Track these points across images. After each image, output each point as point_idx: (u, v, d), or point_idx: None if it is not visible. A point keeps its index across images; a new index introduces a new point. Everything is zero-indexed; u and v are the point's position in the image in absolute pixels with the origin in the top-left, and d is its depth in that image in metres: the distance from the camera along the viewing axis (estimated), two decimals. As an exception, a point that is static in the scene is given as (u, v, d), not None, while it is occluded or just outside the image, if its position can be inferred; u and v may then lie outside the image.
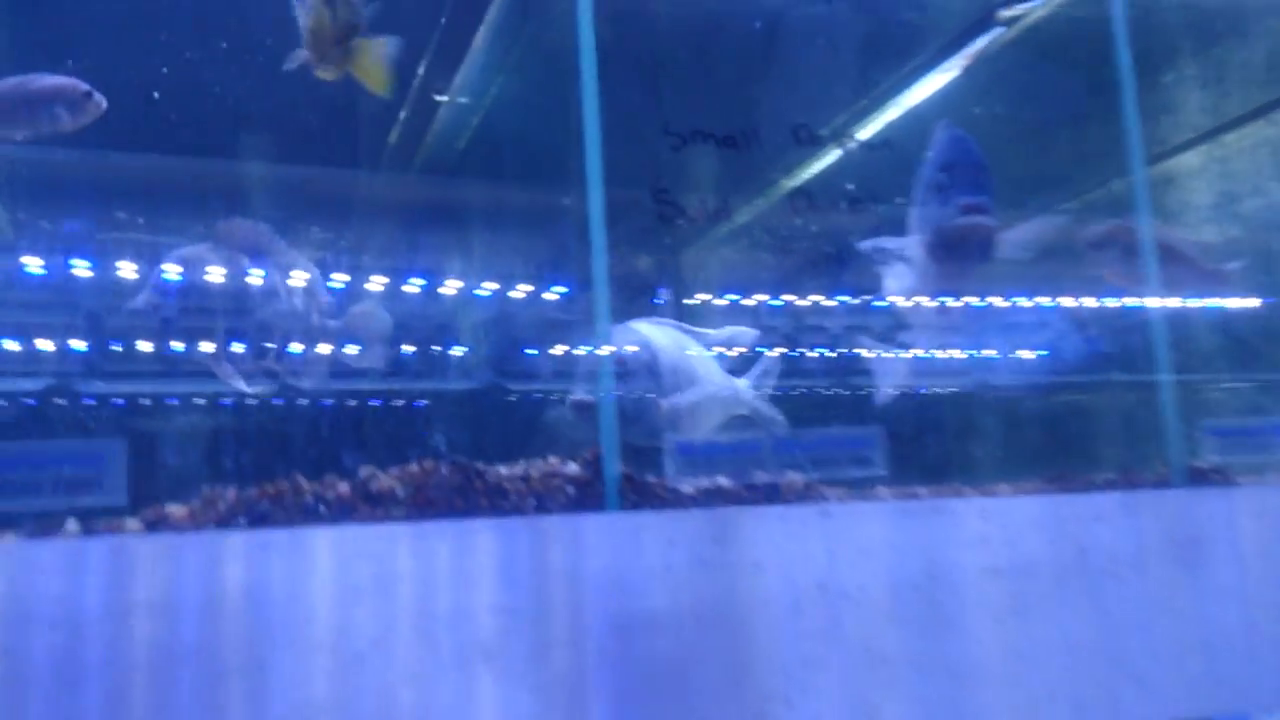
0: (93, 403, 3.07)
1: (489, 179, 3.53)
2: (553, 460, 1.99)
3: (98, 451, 1.57)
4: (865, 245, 2.40)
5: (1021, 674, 2.13)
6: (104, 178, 3.26)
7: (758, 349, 3.10)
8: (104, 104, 2.29)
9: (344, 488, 1.79)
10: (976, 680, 2.09)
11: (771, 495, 2.09)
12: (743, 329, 2.92)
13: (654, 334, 2.53)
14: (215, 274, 2.51)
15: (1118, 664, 2.22)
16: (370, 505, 1.78)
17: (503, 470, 1.91)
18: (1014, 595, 2.15)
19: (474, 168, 3.51)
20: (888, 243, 2.39)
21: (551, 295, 3.92)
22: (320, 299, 2.83)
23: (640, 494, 1.97)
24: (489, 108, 3.18)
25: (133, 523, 1.63)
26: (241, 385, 2.49)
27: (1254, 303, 4.38)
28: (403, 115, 3.22)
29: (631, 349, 2.46)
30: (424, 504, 1.80)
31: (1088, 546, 2.23)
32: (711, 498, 2.04)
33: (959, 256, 2.26)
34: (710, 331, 2.83)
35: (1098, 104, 2.87)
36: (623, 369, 2.48)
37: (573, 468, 1.95)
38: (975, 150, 2.27)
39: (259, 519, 1.71)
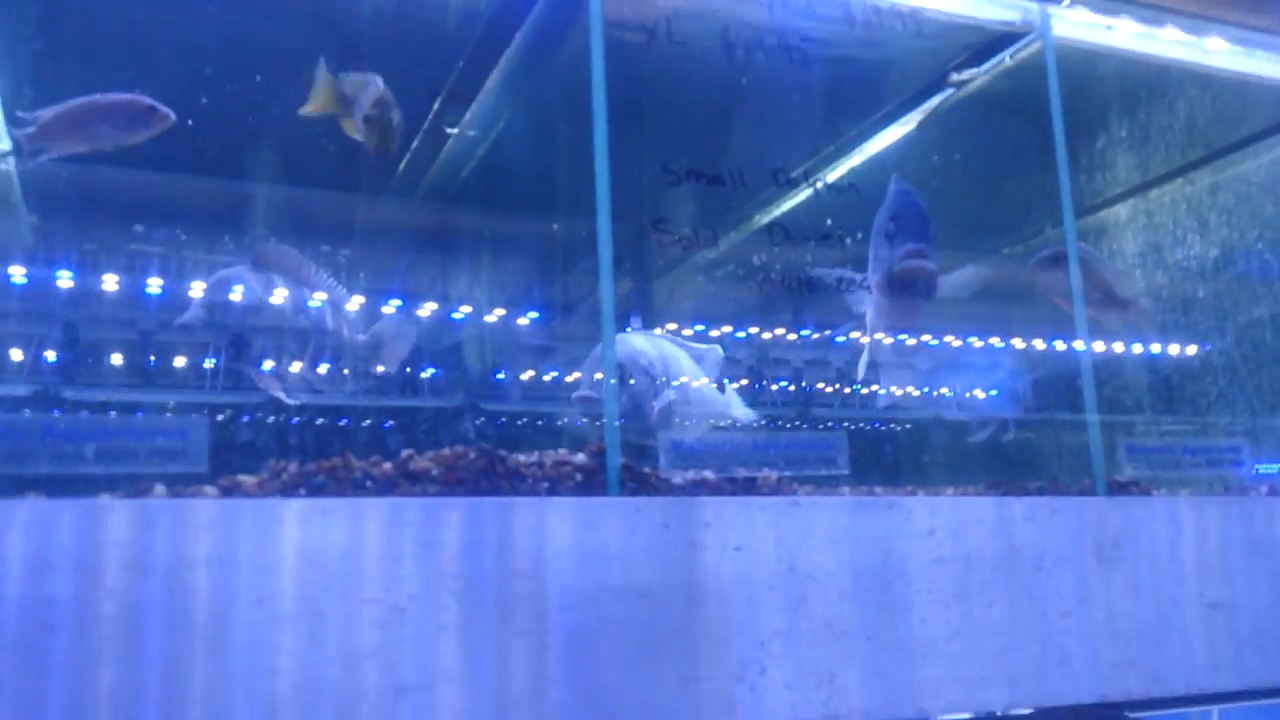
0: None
1: (488, 206, 3.79)
2: (563, 451, 2.24)
3: (183, 426, 1.80)
4: (821, 272, 2.70)
5: (962, 652, 2.40)
6: (132, 194, 3.47)
7: (726, 377, 3.38)
8: (171, 116, 2.48)
9: (387, 466, 2.03)
10: (923, 656, 2.36)
11: (749, 487, 2.36)
12: (714, 347, 3.20)
13: (650, 344, 2.80)
14: (254, 293, 2.74)
15: (1045, 647, 2.51)
16: (409, 482, 2.02)
17: (521, 457, 2.16)
18: (956, 583, 2.43)
19: (474, 195, 3.77)
20: (847, 274, 2.69)
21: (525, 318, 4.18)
22: (348, 316, 3.07)
23: (638, 482, 2.23)
24: (494, 141, 3.45)
25: (210, 489, 1.86)
26: (280, 394, 2.72)
27: (1190, 349, 4.75)
28: (415, 145, 3.48)
29: (630, 354, 2.72)
30: (454, 483, 2.05)
31: (1019, 543, 2.53)
32: (698, 488, 2.30)
33: (906, 295, 2.57)
34: (698, 346, 3.10)
35: (1038, 158, 3.20)
36: (621, 372, 2.75)
37: (580, 457, 2.20)
38: (919, 203, 2.58)
39: (316, 489, 1.94)
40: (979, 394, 4.64)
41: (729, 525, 2.21)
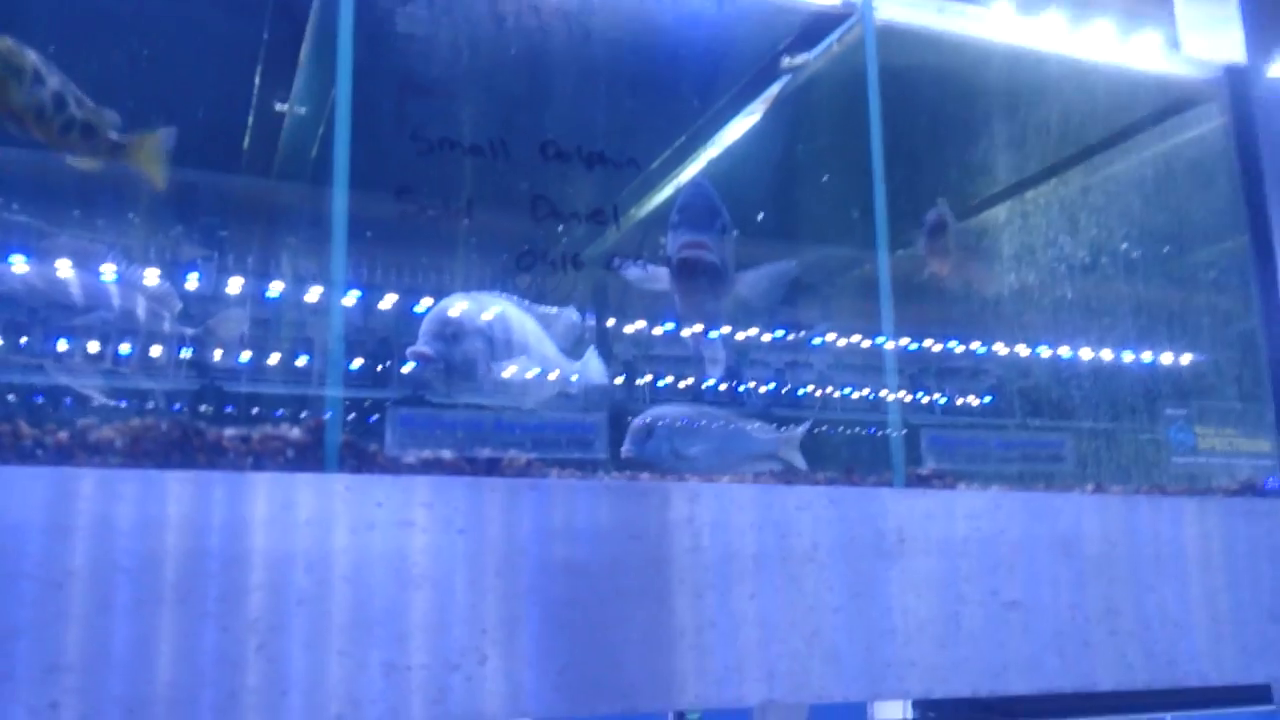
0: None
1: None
2: (283, 426, 2.05)
3: None
4: (617, 264, 2.52)
5: (713, 644, 2.20)
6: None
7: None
8: None
9: (63, 435, 1.84)
10: (669, 648, 2.16)
11: (492, 469, 2.16)
12: (567, 311, 2.96)
13: (493, 303, 2.59)
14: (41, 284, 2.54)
15: (811, 642, 2.30)
16: (88, 453, 1.83)
17: (225, 431, 1.96)
18: (713, 572, 2.23)
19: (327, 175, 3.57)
20: (637, 268, 2.51)
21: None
22: (173, 307, 2.88)
23: (360, 460, 2.03)
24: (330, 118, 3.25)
25: None
26: (73, 384, 2.53)
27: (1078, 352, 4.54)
28: (250, 121, 3.28)
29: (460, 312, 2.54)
30: (140, 456, 1.85)
31: (789, 533, 2.32)
32: (430, 468, 2.10)
33: (688, 286, 2.41)
34: (549, 310, 2.87)
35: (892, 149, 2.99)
36: (458, 329, 2.56)
37: (295, 433, 2.01)
38: (707, 195, 2.42)
39: (-26, 457, 1.75)
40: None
41: (456, 506, 2.02)
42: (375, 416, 2.67)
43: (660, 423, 2.79)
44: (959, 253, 3.20)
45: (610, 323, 3.83)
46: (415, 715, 1.92)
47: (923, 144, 3.68)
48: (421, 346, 2.53)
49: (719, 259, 2.42)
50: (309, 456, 2.00)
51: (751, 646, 2.24)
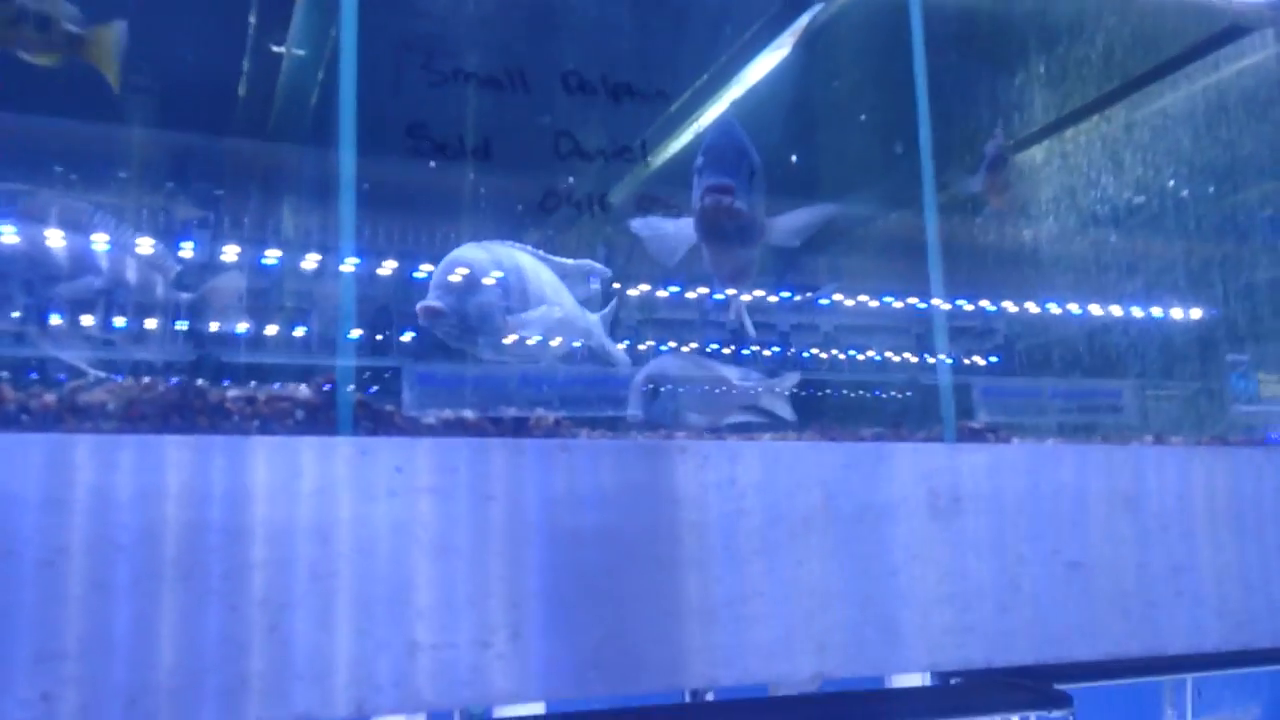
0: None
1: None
2: (290, 386, 1.90)
3: None
4: (636, 224, 2.35)
5: (761, 613, 2.05)
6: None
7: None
8: None
9: (50, 398, 1.68)
10: (713, 619, 2.02)
11: (518, 430, 2.00)
12: (594, 263, 2.81)
13: (507, 253, 2.44)
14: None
15: (865, 610, 2.15)
16: (77, 418, 1.68)
17: (228, 392, 1.81)
18: (759, 537, 2.08)
19: (328, 127, 3.40)
20: (659, 223, 2.34)
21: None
22: (167, 272, 2.73)
23: (375, 421, 1.88)
24: (330, 61, 3.07)
25: None
26: (61, 355, 2.39)
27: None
28: (245, 66, 3.10)
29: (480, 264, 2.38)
30: (136, 419, 1.70)
31: (837, 493, 2.17)
32: (452, 429, 1.95)
33: (714, 235, 2.24)
34: (566, 261, 2.72)
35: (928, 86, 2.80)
36: (471, 280, 2.41)
37: (303, 392, 1.85)
38: (734, 136, 2.23)
39: (-48, 424, 1.60)
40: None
41: (477, 471, 1.86)
42: (374, 389, 2.52)
43: (661, 382, 2.65)
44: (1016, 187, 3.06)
45: (616, 285, 3.67)
46: (443, 697, 1.78)
47: (956, 80, 3.49)
48: (432, 300, 2.38)
49: (747, 204, 2.24)
50: (320, 419, 1.85)
51: (801, 616, 2.09)
